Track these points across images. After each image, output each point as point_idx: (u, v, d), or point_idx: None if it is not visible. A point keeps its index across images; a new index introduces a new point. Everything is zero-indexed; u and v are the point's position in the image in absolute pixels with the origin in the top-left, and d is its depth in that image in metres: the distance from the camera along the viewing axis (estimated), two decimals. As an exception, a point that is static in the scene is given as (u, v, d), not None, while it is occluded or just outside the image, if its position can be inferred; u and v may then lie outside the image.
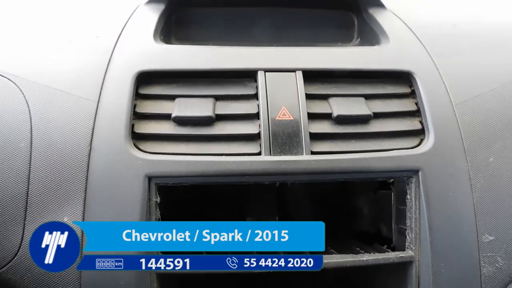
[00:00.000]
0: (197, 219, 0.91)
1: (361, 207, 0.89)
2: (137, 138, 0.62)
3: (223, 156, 0.60)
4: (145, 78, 0.66)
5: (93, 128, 0.61)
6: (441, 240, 0.61)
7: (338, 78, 0.69)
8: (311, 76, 0.67)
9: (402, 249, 0.65)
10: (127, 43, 0.70)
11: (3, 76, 0.65)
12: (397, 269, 0.65)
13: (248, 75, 0.68)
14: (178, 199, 0.90)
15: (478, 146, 0.65)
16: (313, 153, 0.62)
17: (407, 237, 0.64)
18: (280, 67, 0.67)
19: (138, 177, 0.58)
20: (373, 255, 0.62)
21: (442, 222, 0.62)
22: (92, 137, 0.60)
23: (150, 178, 0.59)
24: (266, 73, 0.66)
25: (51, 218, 0.58)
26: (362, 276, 0.78)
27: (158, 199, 0.60)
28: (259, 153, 0.61)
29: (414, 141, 0.66)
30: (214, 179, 0.60)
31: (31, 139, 0.60)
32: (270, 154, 0.61)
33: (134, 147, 0.60)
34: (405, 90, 0.70)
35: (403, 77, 0.70)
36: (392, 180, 0.64)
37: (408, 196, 0.63)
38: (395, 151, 0.63)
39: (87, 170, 0.59)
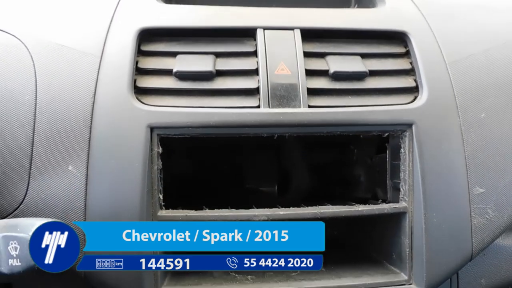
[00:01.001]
0: (198, 186, 0.93)
1: (358, 174, 0.91)
2: (140, 92, 0.64)
3: (223, 108, 0.62)
4: (147, 36, 0.68)
5: (96, 82, 0.62)
6: (433, 192, 0.63)
7: (335, 37, 0.71)
8: (309, 35, 0.69)
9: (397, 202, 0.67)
10: (129, 2, 0.72)
11: (8, 33, 0.66)
12: (391, 220, 0.67)
13: (247, 34, 0.69)
14: (179, 163, 0.92)
15: (470, 103, 0.68)
16: (310, 107, 0.64)
17: (401, 189, 0.66)
18: (278, 25, 0.69)
19: (140, 127, 0.60)
20: (368, 206, 0.65)
21: (435, 174, 0.64)
22: (95, 90, 0.62)
23: (152, 129, 0.60)
24: (265, 31, 0.68)
25: (56, 168, 0.59)
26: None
27: (160, 150, 0.61)
28: (258, 106, 0.63)
29: (408, 97, 0.68)
30: (214, 130, 0.62)
31: (36, 92, 0.61)
32: (269, 107, 0.63)
33: (136, 99, 0.62)
34: (400, 50, 0.72)
35: (398, 37, 0.72)
36: (386, 134, 0.66)
37: (402, 150, 0.65)
38: (390, 106, 0.65)
39: (91, 122, 0.61)
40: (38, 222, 0.50)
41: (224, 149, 0.95)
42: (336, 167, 0.98)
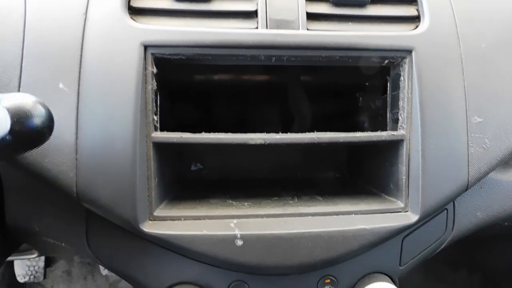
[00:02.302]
0: (199, 127, 0.92)
1: (362, 121, 0.91)
2: (134, 12, 0.61)
3: (221, 28, 0.60)
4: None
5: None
6: (431, 119, 0.63)
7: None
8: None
9: None
10: None
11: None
12: (389, 149, 0.67)
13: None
14: (182, 110, 0.91)
15: (471, 33, 0.66)
16: (309, 30, 0.62)
17: (399, 118, 0.65)
18: None
19: (134, 45, 0.58)
20: (366, 133, 0.64)
21: (433, 102, 0.63)
22: (87, 7, 0.60)
23: (146, 47, 0.59)
24: None
25: (46, 85, 0.57)
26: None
27: (155, 70, 0.60)
28: (256, 28, 0.61)
29: (409, 27, 0.66)
30: (210, 51, 0.60)
31: (25, 9, 0.59)
32: (267, 28, 0.61)
33: (130, 17, 0.60)
34: (403, -21, 0.70)
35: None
36: (386, 61, 0.65)
37: (402, 78, 0.64)
38: (390, 32, 0.64)
39: (82, 40, 0.58)
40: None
41: (228, 98, 0.94)
42: (341, 116, 0.98)
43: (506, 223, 0.76)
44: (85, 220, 0.62)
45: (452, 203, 0.70)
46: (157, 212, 0.60)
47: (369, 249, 0.64)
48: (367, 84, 0.86)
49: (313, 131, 0.63)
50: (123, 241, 0.62)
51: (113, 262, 0.63)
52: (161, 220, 0.60)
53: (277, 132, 0.62)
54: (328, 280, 0.65)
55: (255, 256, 0.59)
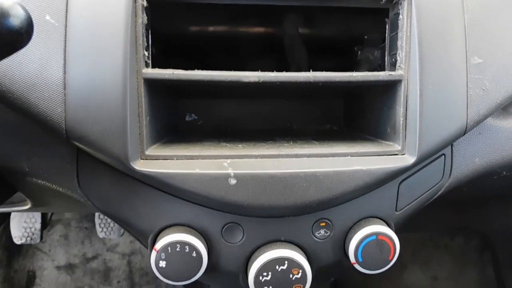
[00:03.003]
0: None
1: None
2: None
3: None
4: None
5: None
6: (429, 59, 0.61)
7: None
8: None
9: None
10: None
11: None
12: (386, 91, 0.65)
13: None
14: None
15: None
16: None
17: (398, 58, 0.63)
18: None
19: None
20: (363, 73, 0.62)
21: (432, 41, 0.61)
22: None
23: None
24: None
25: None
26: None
27: (145, 3, 0.57)
28: None
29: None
30: None
31: None
32: None
33: None
34: None
35: None
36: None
37: (401, 16, 0.62)
38: None
39: None
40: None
41: (223, 52, 0.91)
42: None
43: (504, 172, 0.75)
44: (76, 161, 0.61)
45: (450, 148, 0.69)
46: (149, 151, 0.59)
47: (364, 191, 0.63)
48: (365, 37, 0.84)
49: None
50: (114, 182, 0.61)
51: (104, 203, 0.62)
52: (153, 159, 0.58)
53: None
54: (323, 224, 0.64)
55: (248, 195, 0.58)
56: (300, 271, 0.61)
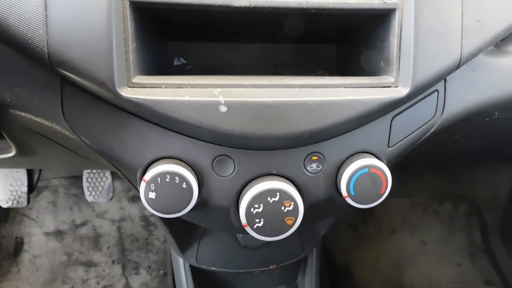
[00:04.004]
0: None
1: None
2: None
3: None
4: None
5: None
6: None
7: None
8: None
9: None
10: None
11: None
12: (380, 22, 0.64)
13: None
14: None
15: None
16: None
17: None
18: None
19: None
20: (357, 0, 0.60)
21: None
22: None
23: None
24: None
25: None
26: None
27: None
28: None
29: None
30: None
31: None
32: None
33: None
34: None
35: None
36: None
37: None
38: None
39: None
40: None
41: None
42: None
43: (496, 113, 0.74)
44: (60, 91, 0.59)
45: (443, 84, 0.68)
46: (136, 80, 0.57)
47: (357, 123, 0.62)
48: None
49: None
50: (101, 113, 0.59)
51: (91, 136, 0.61)
52: (140, 87, 0.56)
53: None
54: (315, 158, 0.63)
55: (239, 124, 0.57)
56: (292, 203, 0.60)
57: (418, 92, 0.63)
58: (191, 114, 0.56)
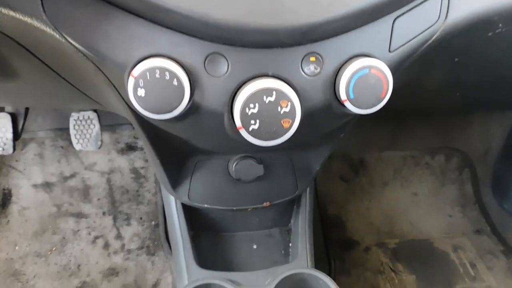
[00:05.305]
0: None
1: None
2: None
3: None
4: None
5: None
6: None
7: None
8: None
9: None
10: None
11: None
12: None
13: None
14: None
15: None
16: None
17: None
18: None
19: None
20: None
21: None
22: None
23: None
24: None
25: None
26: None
27: None
28: None
29: None
30: None
31: None
32: None
33: None
34: None
35: None
36: None
37: None
38: None
39: None
40: None
41: None
42: None
43: (500, 25, 0.71)
44: None
45: (447, -14, 0.64)
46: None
47: (358, 19, 0.58)
48: None
49: None
50: (83, 4, 0.55)
51: (74, 32, 0.56)
52: None
53: None
54: (313, 58, 0.60)
55: (233, 13, 0.53)
56: (289, 103, 0.57)
57: None
58: (182, 1, 0.52)
